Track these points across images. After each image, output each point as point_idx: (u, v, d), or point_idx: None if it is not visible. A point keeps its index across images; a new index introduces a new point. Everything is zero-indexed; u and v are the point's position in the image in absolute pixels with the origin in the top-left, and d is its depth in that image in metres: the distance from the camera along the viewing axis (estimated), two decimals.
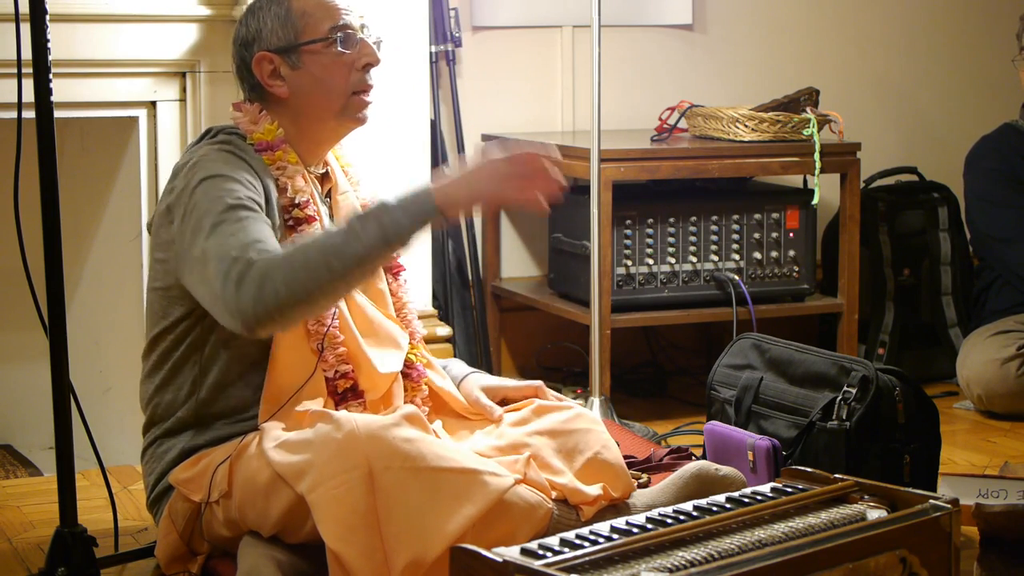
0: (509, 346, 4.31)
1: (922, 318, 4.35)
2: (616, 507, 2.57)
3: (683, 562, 1.95)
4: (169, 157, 3.47)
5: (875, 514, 2.18)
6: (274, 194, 2.57)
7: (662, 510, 2.15)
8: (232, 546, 2.49)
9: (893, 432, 2.87)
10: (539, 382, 2.81)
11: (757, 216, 3.94)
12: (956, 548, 2.18)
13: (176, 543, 2.55)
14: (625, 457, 2.68)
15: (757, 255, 3.94)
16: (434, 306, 3.93)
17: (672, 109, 4.12)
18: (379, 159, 3.56)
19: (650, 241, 3.85)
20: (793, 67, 4.57)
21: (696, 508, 2.16)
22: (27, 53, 2.38)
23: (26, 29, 2.38)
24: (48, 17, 2.38)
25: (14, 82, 2.44)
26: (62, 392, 2.43)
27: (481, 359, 4.13)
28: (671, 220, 3.87)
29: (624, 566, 1.94)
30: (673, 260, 3.88)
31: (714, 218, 3.90)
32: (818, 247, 4.24)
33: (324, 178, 2.73)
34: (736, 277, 3.88)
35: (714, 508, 2.17)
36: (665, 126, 4.09)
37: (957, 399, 4.05)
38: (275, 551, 2.40)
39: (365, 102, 2.66)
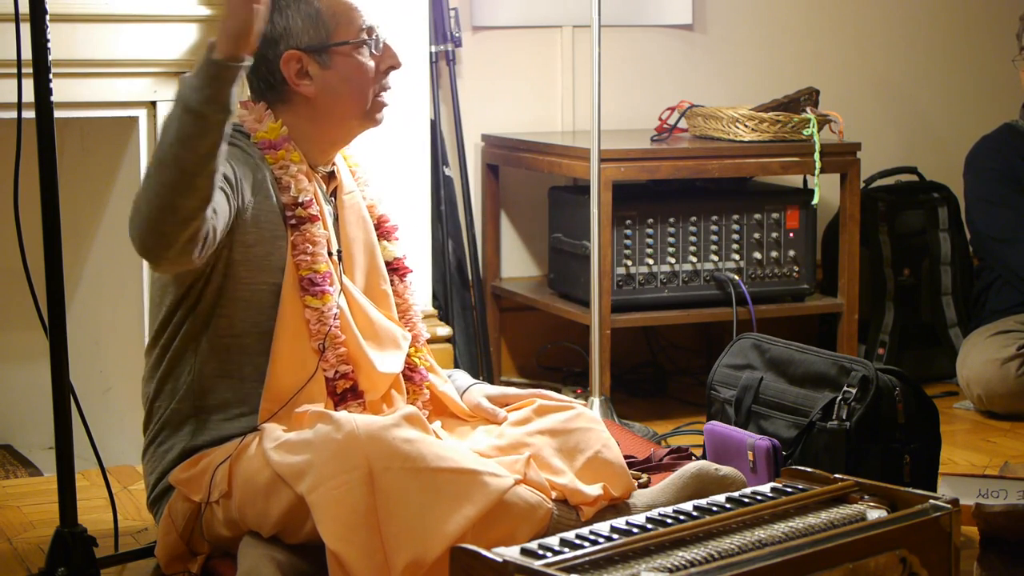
0: (509, 346, 4.32)
1: (922, 318, 4.35)
2: (616, 507, 2.57)
3: (683, 562, 1.95)
4: None
5: (875, 514, 2.18)
6: (269, 179, 2.57)
7: (662, 510, 2.15)
8: (232, 546, 2.49)
9: (893, 432, 2.87)
10: (543, 391, 2.81)
11: (757, 216, 3.94)
12: (956, 548, 2.18)
13: (176, 543, 2.55)
14: (625, 457, 2.68)
15: (757, 255, 3.94)
16: (434, 306, 3.94)
17: (672, 109, 4.12)
18: (379, 159, 3.56)
19: (650, 241, 3.85)
20: (793, 67, 4.58)
21: (696, 508, 2.16)
22: (27, 53, 2.38)
23: (26, 29, 2.38)
24: (48, 17, 2.38)
25: (14, 82, 2.44)
26: (62, 392, 2.43)
27: (481, 359, 4.13)
28: (671, 220, 3.87)
29: (624, 566, 1.94)
30: (673, 260, 3.88)
31: (714, 218, 3.90)
32: (818, 247, 4.24)
33: (330, 177, 2.73)
34: (736, 277, 3.88)
35: (714, 508, 2.17)
36: (665, 126, 4.09)
37: (957, 399, 4.05)
38: (275, 551, 2.40)
39: (385, 104, 2.69)
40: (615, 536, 2.02)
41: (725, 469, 2.67)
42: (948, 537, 2.16)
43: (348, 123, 2.67)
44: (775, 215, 3.96)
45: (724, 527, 2.08)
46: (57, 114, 2.40)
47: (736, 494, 2.23)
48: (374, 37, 2.66)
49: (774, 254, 3.96)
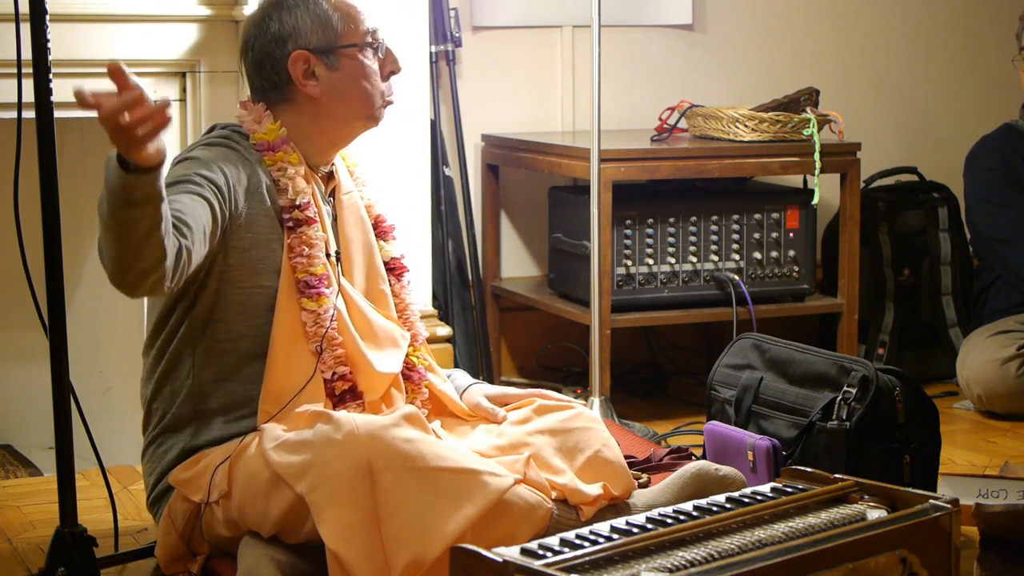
0: (509, 346, 4.32)
1: (922, 318, 4.35)
2: (616, 507, 2.57)
3: (683, 562, 1.95)
4: (169, 157, 3.45)
5: (875, 514, 2.18)
6: (264, 183, 2.57)
7: (662, 510, 2.15)
8: (232, 546, 2.49)
9: (893, 432, 2.87)
10: (542, 391, 2.81)
11: (757, 216, 3.94)
12: (956, 548, 2.18)
13: (176, 543, 2.55)
14: (625, 457, 2.68)
15: (757, 255, 3.94)
16: (434, 306, 3.94)
17: (672, 109, 4.12)
18: (379, 159, 3.57)
19: (650, 241, 3.85)
20: (793, 67, 4.58)
21: (696, 508, 2.16)
22: (27, 53, 2.38)
23: (26, 29, 2.38)
24: (48, 17, 2.38)
25: (14, 82, 2.44)
26: (62, 392, 2.43)
27: (481, 359, 4.13)
28: (671, 220, 3.87)
29: (624, 566, 1.94)
30: (673, 260, 3.88)
31: (714, 218, 3.90)
32: (818, 247, 4.24)
33: (329, 178, 2.73)
34: (736, 277, 3.88)
35: (714, 508, 2.17)
36: (665, 126, 4.09)
37: (957, 399, 4.05)
38: (275, 551, 2.40)
39: (389, 102, 2.70)
40: (615, 536, 2.02)
41: (725, 469, 2.67)
42: (948, 537, 2.16)
43: (351, 124, 2.67)
44: (775, 215, 3.96)
45: (724, 527, 2.08)
46: (57, 114, 2.40)
47: (736, 494, 2.23)
48: (379, 40, 2.66)
49: (774, 254, 3.96)
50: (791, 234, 3.97)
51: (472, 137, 4.24)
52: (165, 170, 2.46)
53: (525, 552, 1.95)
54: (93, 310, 3.80)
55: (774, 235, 3.96)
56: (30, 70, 2.37)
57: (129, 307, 3.62)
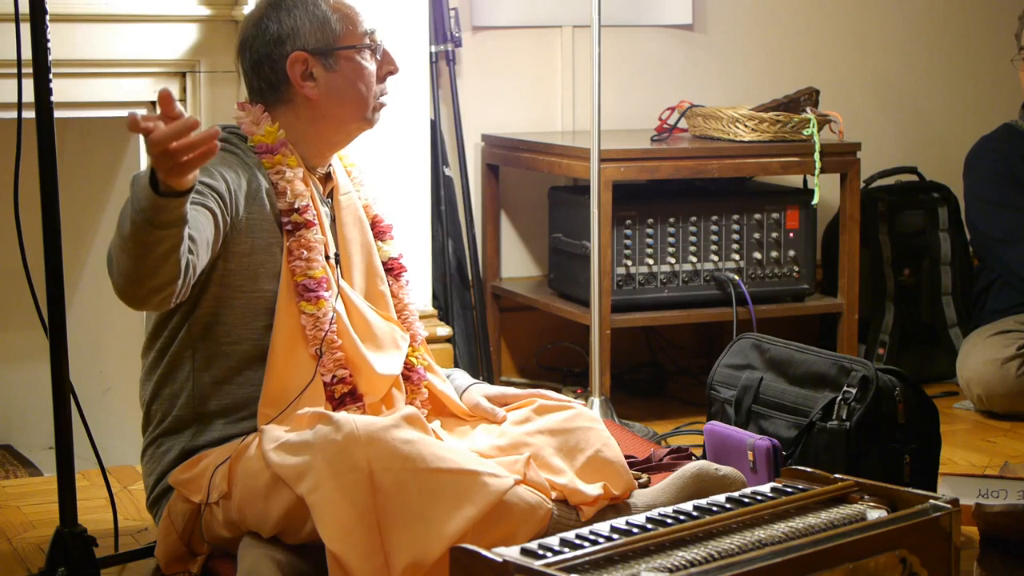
0: (509, 346, 4.32)
1: (922, 318, 4.35)
2: (616, 507, 2.57)
3: (683, 562, 1.95)
4: None
5: (875, 514, 2.18)
6: (264, 187, 2.57)
7: (662, 510, 2.15)
8: (232, 547, 2.49)
9: (893, 432, 2.87)
10: (542, 391, 2.81)
11: (757, 216, 3.94)
12: (956, 548, 2.18)
13: (176, 543, 2.55)
14: (625, 457, 2.68)
15: (757, 255, 3.94)
16: (434, 306, 3.93)
17: (672, 109, 4.12)
18: (379, 159, 3.57)
19: (650, 241, 3.85)
20: (793, 67, 4.58)
21: (696, 508, 2.16)
22: (27, 53, 2.38)
23: (26, 29, 2.38)
24: (48, 17, 2.38)
25: (14, 82, 2.44)
26: (62, 392, 2.43)
27: (481, 359, 4.13)
28: (671, 220, 3.87)
29: (624, 566, 1.94)
30: (673, 260, 3.88)
31: (714, 218, 3.90)
32: (818, 247, 4.24)
33: (327, 179, 2.73)
34: (736, 277, 3.88)
35: (714, 508, 2.17)
36: (665, 126, 4.09)
37: (957, 399, 4.05)
38: (275, 551, 2.40)
39: (384, 104, 2.70)
40: (615, 536, 2.02)
41: (725, 469, 2.67)
42: (948, 537, 2.16)
43: (348, 126, 2.67)
44: (775, 215, 3.96)
45: (724, 527, 2.08)
46: (57, 114, 2.40)
47: (736, 494, 2.22)
48: (377, 41, 2.66)
49: (774, 254, 3.96)
50: (791, 234, 3.97)
51: (472, 137, 4.24)
52: None
53: (525, 552, 1.95)
54: (93, 310, 3.80)
55: (774, 235, 3.96)
56: (30, 70, 2.37)
57: (129, 308, 3.62)
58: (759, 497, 2.21)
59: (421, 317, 2.93)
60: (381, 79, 2.69)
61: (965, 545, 2.40)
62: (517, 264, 4.36)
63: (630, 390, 4.20)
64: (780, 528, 2.09)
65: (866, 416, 2.85)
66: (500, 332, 4.29)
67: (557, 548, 1.97)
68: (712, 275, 3.91)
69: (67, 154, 3.69)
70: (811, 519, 2.14)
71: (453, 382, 2.86)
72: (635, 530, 2.04)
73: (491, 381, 4.08)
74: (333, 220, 2.69)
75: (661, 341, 4.40)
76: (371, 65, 2.66)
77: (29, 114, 2.39)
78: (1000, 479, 2.89)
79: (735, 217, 3.92)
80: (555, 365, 4.32)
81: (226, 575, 2.50)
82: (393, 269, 2.80)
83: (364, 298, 2.70)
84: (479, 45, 4.26)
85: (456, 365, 3.93)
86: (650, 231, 3.86)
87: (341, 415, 2.39)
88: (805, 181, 4.14)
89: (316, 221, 2.60)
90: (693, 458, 3.07)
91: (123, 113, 3.49)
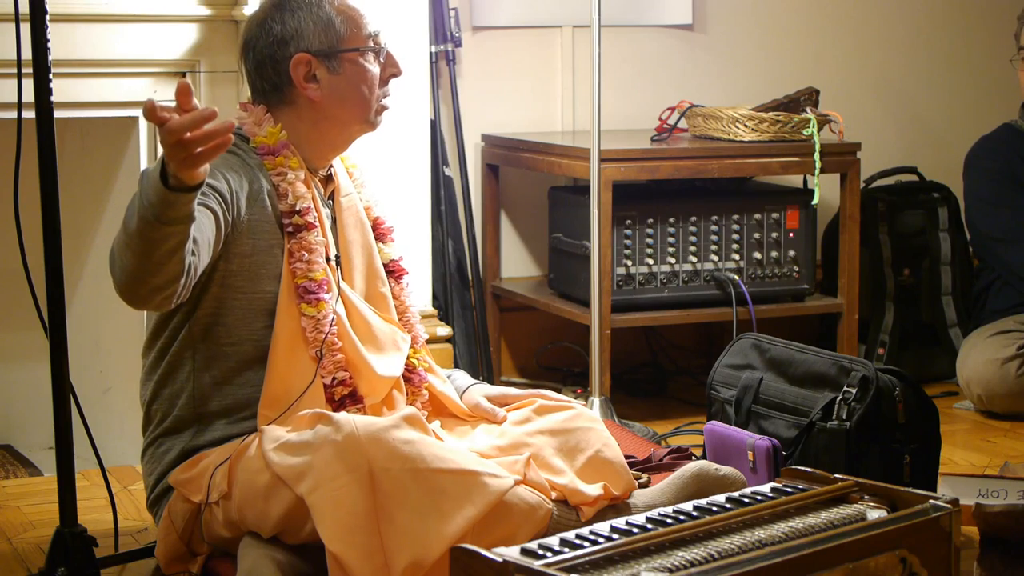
0: (509, 346, 4.32)
1: (922, 318, 4.35)
2: (616, 507, 2.57)
3: (683, 562, 1.95)
4: None
5: (875, 514, 2.18)
6: (265, 189, 2.57)
7: (662, 510, 2.15)
8: (232, 547, 2.49)
9: (893, 432, 2.87)
10: (542, 391, 2.81)
11: (757, 216, 3.94)
12: (956, 548, 2.18)
13: (176, 543, 2.55)
14: (625, 457, 2.68)
15: (757, 255, 3.94)
16: (434, 306, 3.94)
17: (672, 109, 4.12)
18: (380, 159, 3.57)
19: (650, 241, 3.85)
20: (793, 67, 4.58)
21: (696, 508, 2.16)
22: (27, 53, 2.38)
23: (26, 29, 2.38)
24: (48, 17, 2.38)
25: (14, 82, 2.44)
26: (62, 392, 2.43)
27: (481, 359, 4.13)
28: (671, 220, 3.87)
29: (624, 566, 1.94)
30: (673, 260, 3.88)
31: (714, 218, 3.90)
32: (818, 247, 4.24)
33: (328, 180, 2.73)
34: (736, 277, 3.88)
35: (714, 508, 2.17)
36: (665, 126, 4.09)
37: (957, 399, 4.05)
38: (275, 551, 2.40)
39: (386, 107, 2.70)
40: (615, 536, 2.02)
41: (725, 469, 2.67)
42: (948, 537, 2.16)
43: (350, 128, 2.67)
44: (775, 215, 3.96)
45: (724, 527, 2.08)
46: (57, 114, 2.40)
47: (736, 494, 2.22)
48: (380, 44, 2.66)
49: (774, 254, 3.96)
50: (791, 234, 3.97)
51: (472, 137, 4.24)
52: None
53: (525, 552, 1.95)
54: (93, 310, 3.80)
55: (774, 235, 3.96)
56: (30, 70, 2.37)
57: (129, 308, 3.62)
58: (759, 497, 2.21)
59: (421, 317, 2.92)
60: (384, 82, 2.68)
61: (965, 545, 2.40)
62: (517, 264, 4.36)
63: (630, 390, 4.20)
64: (780, 528, 2.09)
65: (866, 416, 2.85)
66: (500, 332, 4.29)
67: (557, 548, 1.97)
68: (712, 275, 3.91)
69: (67, 154, 3.69)
70: (811, 519, 2.14)
71: (453, 382, 2.86)
72: (635, 530, 2.04)
73: (491, 381, 4.08)
74: (334, 222, 2.69)
75: (661, 341, 4.40)
76: (374, 68, 2.66)
77: (29, 114, 2.39)
78: (1000, 479, 2.89)
79: (735, 217, 3.92)
80: (555, 365, 4.32)
81: (226, 575, 2.50)
82: (394, 271, 2.80)
83: (365, 300, 2.70)
84: (479, 45, 4.26)
85: (456, 365, 3.93)
86: (650, 231, 3.86)
87: (341, 415, 2.39)
88: (805, 181, 4.14)
89: (317, 223, 2.60)
90: (693, 458, 3.07)
91: (123, 113, 3.51)
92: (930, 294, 4.35)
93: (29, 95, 2.39)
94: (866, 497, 2.24)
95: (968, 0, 4.82)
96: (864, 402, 2.86)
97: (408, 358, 2.74)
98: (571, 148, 3.87)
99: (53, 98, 2.39)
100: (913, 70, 4.78)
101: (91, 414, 2.68)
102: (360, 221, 2.74)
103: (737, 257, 3.93)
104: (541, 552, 1.95)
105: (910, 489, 2.24)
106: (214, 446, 2.55)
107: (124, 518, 2.94)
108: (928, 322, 4.35)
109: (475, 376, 3.26)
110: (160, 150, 3.54)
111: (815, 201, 3.90)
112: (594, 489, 2.54)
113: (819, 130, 3.85)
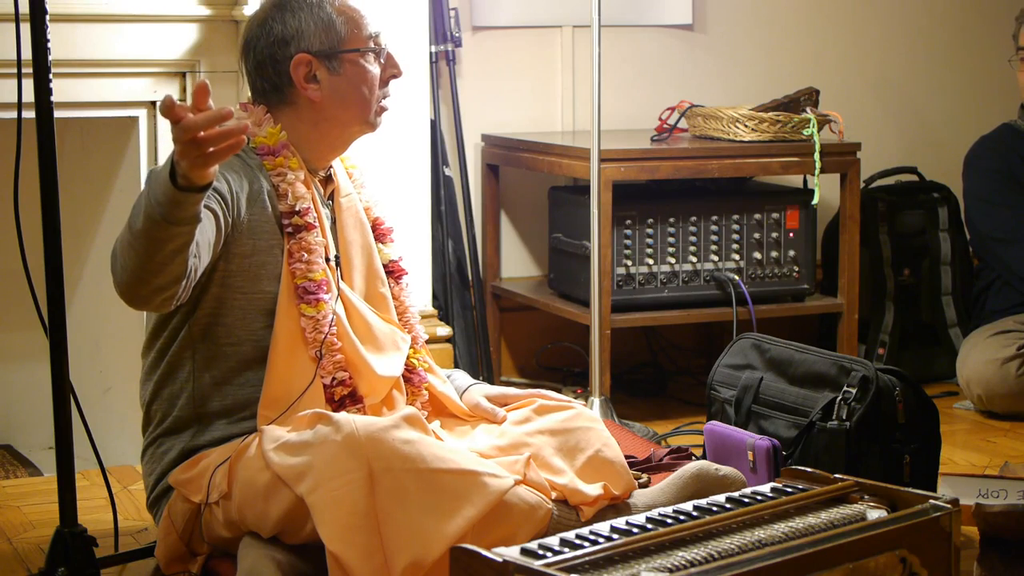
0: (509, 346, 4.32)
1: (922, 318, 4.35)
2: (616, 507, 2.57)
3: (683, 562, 1.95)
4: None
5: (875, 514, 2.18)
6: (265, 189, 2.57)
7: (662, 510, 2.15)
8: (232, 547, 2.49)
9: (893, 432, 2.87)
10: (542, 391, 2.81)
11: (757, 216, 3.94)
12: (956, 548, 2.18)
13: (176, 543, 2.55)
14: (625, 457, 2.68)
15: (757, 255, 3.94)
16: (434, 306, 3.94)
17: (672, 109, 4.12)
18: (380, 159, 3.57)
19: (650, 241, 3.85)
20: (793, 67, 4.58)
21: (696, 508, 2.16)
22: (27, 53, 2.38)
23: (26, 29, 2.38)
24: (48, 17, 2.38)
25: (14, 82, 2.44)
26: (62, 392, 2.43)
27: (481, 359, 4.13)
28: (671, 220, 3.87)
29: (624, 566, 1.94)
30: (673, 260, 3.88)
31: (714, 218, 3.90)
32: (818, 247, 4.24)
33: (327, 181, 2.73)
34: (736, 277, 3.88)
35: (714, 508, 2.17)
36: (665, 126, 4.09)
37: (957, 399, 4.05)
38: (275, 551, 2.40)
39: (386, 108, 2.70)
40: (615, 536, 2.02)
41: (725, 469, 2.67)
42: (948, 537, 2.16)
43: (350, 128, 2.67)
44: (775, 215, 3.96)
45: (724, 527, 2.08)
46: (57, 114, 2.40)
47: (736, 494, 2.23)
48: (381, 44, 2.66)
49: (774, 254, 3.96)
50: (791, 234, 3.97)
51: (472, 137, 4.24)
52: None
53: (525, 552, 1.95)
54: (93, 310, 3.80)
55: (774, 235, 3.96)
56: (30, 70, 2.37)
57: (129, 308, 3.62)
58: (759, 497, 2.22)
59: (421, 317, 2.92)
60: (384, 83, 2.68)
61: (965, 545, 2.40)
62: (517, 264, 4.36)
63: (630, 390, 4.20)
64: (780, 528, 2.09)
65: (866, 416, 2.85)
66: (500, 332, 4.29)
67: (557, 548, 1.97)
68: (712, 275, 3.91)
69: (67, 154, 3.69)
70: (811, 519, 2.14)
71: (453, 382, 2.86)
72: (635, 530, 2.04)
73: (491, 381, 4.08)
74: (334, 222, 2.69)
75: (661, 341, 4.40)
76: (375, 68, 2.66)
77: (29, 114, 2.39)
78: (1000, 479, 2.89)
79: (735, 217, 3.92)
80: (555, 365, 4.32)
81: (226, 575, 2.50)
82: (394, 271, 2.80)
83: (365, 300, 2.70)
84: (479, 45, 4.26)
85: (456, 365, 3.93)
86: (650, 231, 3.86)
87: (341, 415, 2.39)
88: (805, 181, 4.14)
89: (317, 224, 2.60)
90: (693, 458, 3.07)
91: (123, 113, 3.51)
92: (930, 294, 4.35)
93: (29, 95, 2.38)
94: (866, 497, 2.24)
95: (968, 0, 4.82)
96: (864, 402, 2.86)
97: (408, 358, 2.74)
98: (571, 148, 3.87)
99: (53, 98, 2.38)
100: (913, 70, 4.78)
101: (91, 414, 2.68)
102: (360, 222, 2.74)
103: (737, 257, 3.93)
104: (541, 552, 1.95)
105: (910, 489, 2.24)
106: (214, 446, 2.55)
107: (124, 518, 2.94)
108: (928, 322, 4.35)
109: (475, 376, 3.26)
110: (161, 150, 3.55)
111: (815, 201, 3.90)
112: (594, 489, 2.54)
113: (819, 130, 3.85)
